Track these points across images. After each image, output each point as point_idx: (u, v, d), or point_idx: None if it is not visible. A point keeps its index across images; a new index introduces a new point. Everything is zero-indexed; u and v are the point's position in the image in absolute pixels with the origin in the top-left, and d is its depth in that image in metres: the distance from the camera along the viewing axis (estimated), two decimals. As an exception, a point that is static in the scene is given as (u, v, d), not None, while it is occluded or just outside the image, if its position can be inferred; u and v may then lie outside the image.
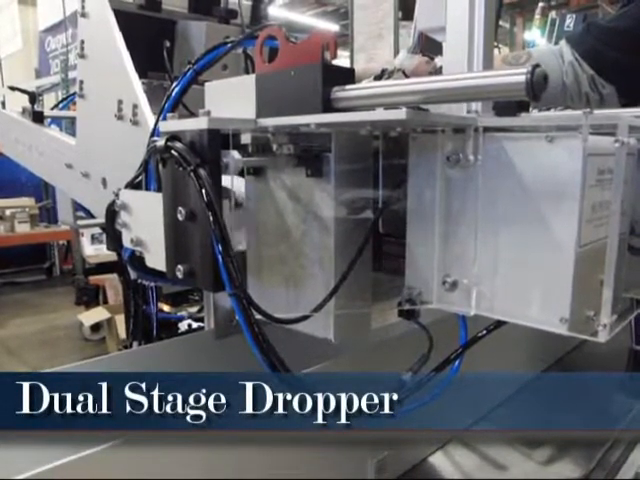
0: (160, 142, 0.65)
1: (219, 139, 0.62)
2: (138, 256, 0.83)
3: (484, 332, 0.70)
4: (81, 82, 1.08)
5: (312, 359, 0.85)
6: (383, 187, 0.72)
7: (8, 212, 5.00)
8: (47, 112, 1.38)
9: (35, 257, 5.60)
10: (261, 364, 0.60)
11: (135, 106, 0.92)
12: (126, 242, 0.82)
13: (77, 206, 1.34)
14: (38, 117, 1.30)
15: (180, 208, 0.66)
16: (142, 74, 1.09)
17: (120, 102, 0.95)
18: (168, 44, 1.13)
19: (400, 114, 0.51)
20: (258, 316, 0.62)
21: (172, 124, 0.67)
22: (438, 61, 0.99)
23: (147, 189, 0.80)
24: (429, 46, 1.00)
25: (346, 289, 0.70)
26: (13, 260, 5.43)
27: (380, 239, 0.78)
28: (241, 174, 0.74)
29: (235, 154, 0.63)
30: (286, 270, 0.74)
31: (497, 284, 0.63)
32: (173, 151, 0.64)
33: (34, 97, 1.33)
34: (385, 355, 0.94)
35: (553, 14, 4.81)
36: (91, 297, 4.23)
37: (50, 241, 5.55)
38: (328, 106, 0.61)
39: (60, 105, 1.55)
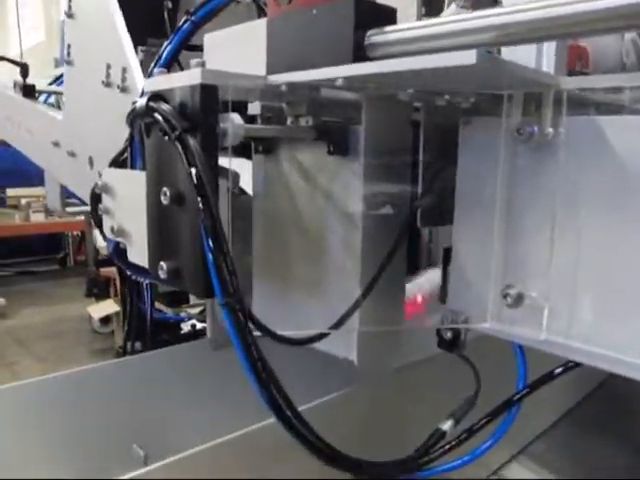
0: (141, 102, 0.50)
1: (216, 98, 0.47)
2: (123, 248, 0.68)
3: (560, 370, 0.54)
4: (69, 46, 0.94)
5: (327, 382, 0.69)
6: (425, 171, 0.57)
7: (23, 201, 4.97)
8: (40, 87, 1.24)
9: (49, 247, 5.57)
10: (259, 398, 0.45)
11: (124, 70, 0.77)
12: (107, 231, 0.67)
13: (67, 191, 1.20)
14: (29, 91, 1.17)
15: (165, 189, 0.50)
16: (141, 40, 0.95)
17: (108, 67, 0.81)
18: (170, 5, 0.98)
19: (467, 57, 0.36)
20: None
21: (158, 81, 0.53)
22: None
23: (132, 167, 0.65)
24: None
25: (374, 299, 0.55)
26: (28, 249, 5.42)
27: (417, 236, 0.63)
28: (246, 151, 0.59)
29: (236, 117, 0.48)
30: (300, 273, 0.60)
31: (577, 300, 0.47)
32: (156, 114, 0.49)
33: (26, 70, 1.20)
34: (414, 383, 0.78)
35: None
36: (101, 289, 4.16)
37: (65, 231, 5.51)
38: (361, 54, 0.45)
39: (58, 81, 1.42)
